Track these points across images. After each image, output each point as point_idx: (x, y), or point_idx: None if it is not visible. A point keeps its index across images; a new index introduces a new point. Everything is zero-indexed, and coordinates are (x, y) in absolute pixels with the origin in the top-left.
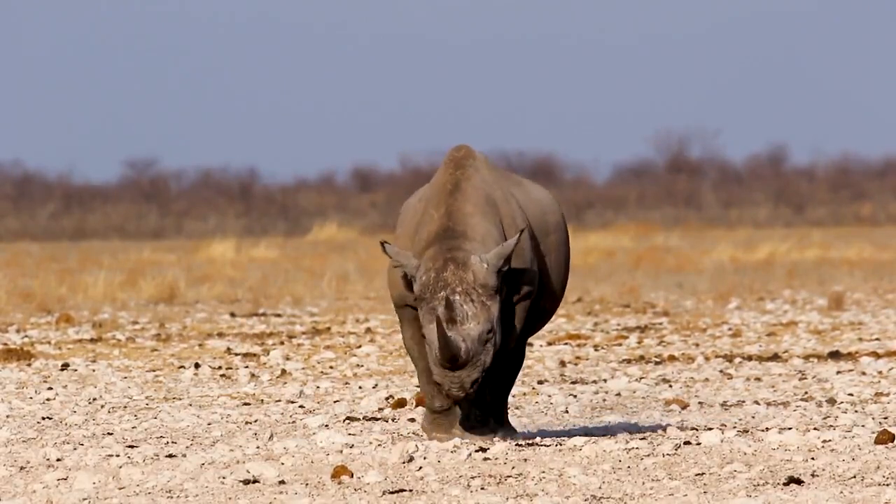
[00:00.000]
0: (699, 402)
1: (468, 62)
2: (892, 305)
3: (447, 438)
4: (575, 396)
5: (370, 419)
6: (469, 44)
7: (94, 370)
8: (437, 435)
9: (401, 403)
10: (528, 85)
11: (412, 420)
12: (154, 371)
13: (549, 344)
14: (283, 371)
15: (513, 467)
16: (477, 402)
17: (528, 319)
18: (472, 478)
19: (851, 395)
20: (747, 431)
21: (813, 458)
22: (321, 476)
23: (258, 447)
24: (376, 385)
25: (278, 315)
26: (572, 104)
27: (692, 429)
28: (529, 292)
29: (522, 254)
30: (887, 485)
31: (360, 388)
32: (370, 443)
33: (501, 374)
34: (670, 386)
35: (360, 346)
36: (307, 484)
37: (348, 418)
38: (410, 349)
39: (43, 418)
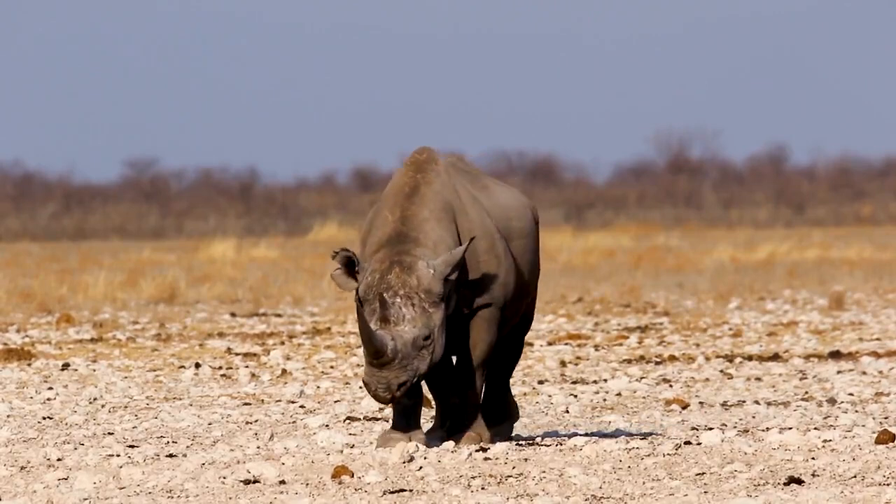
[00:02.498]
0: (700, 402)
1: (468, 62)
2: (893, 305)
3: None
4: (575, 396)
5: (371, 419)
6: (469, 44)
7: (94, 370)
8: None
9: None
10: (528, 85)
11: None
12: (154, 371)
13: (550, 344)
14: (284, 371)
15: (513, 467)
16: (445, 407)
17: (498, 326)
18: (473, 478)
19: (852, 394)
20: (748, 431)
21: (813, 458)
22: (321, 476)
23: (259, 447)
24: None
25: (279, 315)
26: (572, 104)
27: (693, 429)
28: (495, 298)
29: (485, 260)
30: (888, 485)
31: (360, 388)
32: (371, 443)
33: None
34: (671, 386)
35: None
36: (308, 484)
37: (349, 418)
38: None
39: (43, 418)
